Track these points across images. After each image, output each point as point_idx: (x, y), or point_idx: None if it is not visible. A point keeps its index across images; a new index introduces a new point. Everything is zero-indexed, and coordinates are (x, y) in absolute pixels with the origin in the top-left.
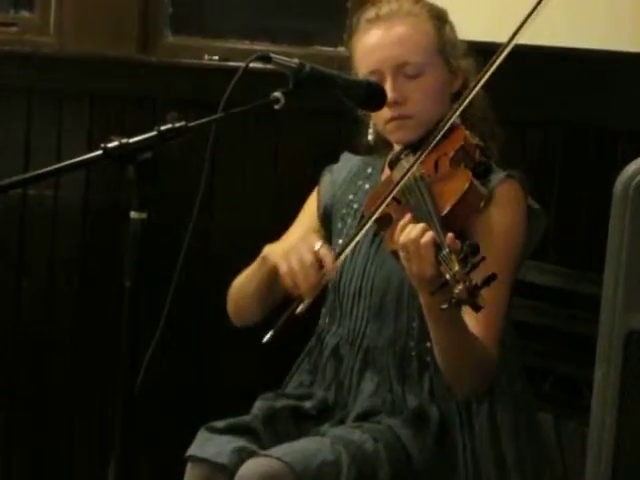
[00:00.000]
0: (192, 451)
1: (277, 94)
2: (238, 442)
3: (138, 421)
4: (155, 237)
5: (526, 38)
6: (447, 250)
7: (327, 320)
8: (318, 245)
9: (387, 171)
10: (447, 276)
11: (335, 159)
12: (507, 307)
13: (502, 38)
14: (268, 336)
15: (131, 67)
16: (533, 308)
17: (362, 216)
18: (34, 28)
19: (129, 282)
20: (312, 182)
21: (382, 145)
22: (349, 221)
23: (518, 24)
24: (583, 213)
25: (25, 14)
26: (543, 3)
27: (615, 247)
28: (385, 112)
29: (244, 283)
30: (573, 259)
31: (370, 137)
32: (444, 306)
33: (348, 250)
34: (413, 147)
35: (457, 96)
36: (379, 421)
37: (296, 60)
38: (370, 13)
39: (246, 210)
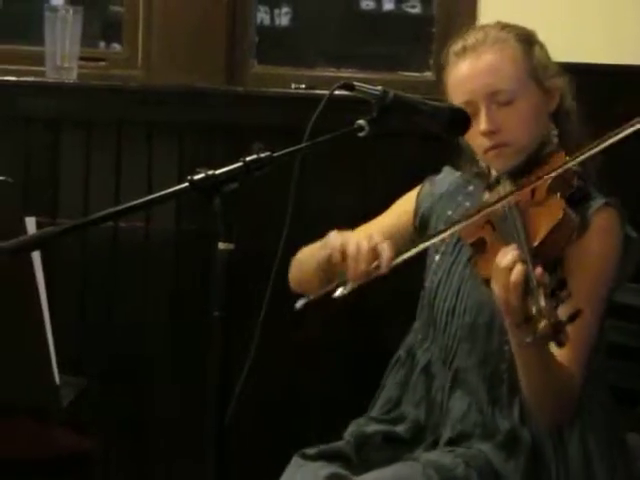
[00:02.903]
0: (285, 478)
1: (361, 122)
2: (330, 468)
3: (230, 450)
4: (244, 265)
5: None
6: (535, 283)
7: (420, 336)
8: (379, 239)
9: (487, 193)
10: (533, 310)
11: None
12: (596, 334)
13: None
14: (301, 303)
15: (219, 97)
16: (626, 329)
17: (458, 238)
18: (122, 62)
19: (218, 312)
20: None
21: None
22: None
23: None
24: None
25: (115, 47)
26: None
27: None
28: (482, 141)
29: (307, 258)
30: None
31: (483, 165)
32: (528, 339)
33: (409, 254)
34: (513, 170)
35: (555, 115)
36: (471, 446)
37: (379, 87)
38: (457, 46)
39: None
